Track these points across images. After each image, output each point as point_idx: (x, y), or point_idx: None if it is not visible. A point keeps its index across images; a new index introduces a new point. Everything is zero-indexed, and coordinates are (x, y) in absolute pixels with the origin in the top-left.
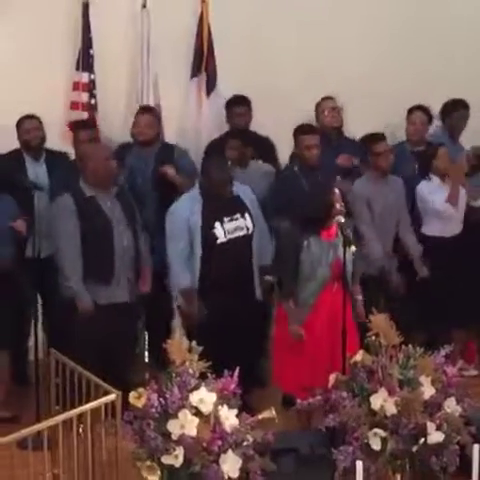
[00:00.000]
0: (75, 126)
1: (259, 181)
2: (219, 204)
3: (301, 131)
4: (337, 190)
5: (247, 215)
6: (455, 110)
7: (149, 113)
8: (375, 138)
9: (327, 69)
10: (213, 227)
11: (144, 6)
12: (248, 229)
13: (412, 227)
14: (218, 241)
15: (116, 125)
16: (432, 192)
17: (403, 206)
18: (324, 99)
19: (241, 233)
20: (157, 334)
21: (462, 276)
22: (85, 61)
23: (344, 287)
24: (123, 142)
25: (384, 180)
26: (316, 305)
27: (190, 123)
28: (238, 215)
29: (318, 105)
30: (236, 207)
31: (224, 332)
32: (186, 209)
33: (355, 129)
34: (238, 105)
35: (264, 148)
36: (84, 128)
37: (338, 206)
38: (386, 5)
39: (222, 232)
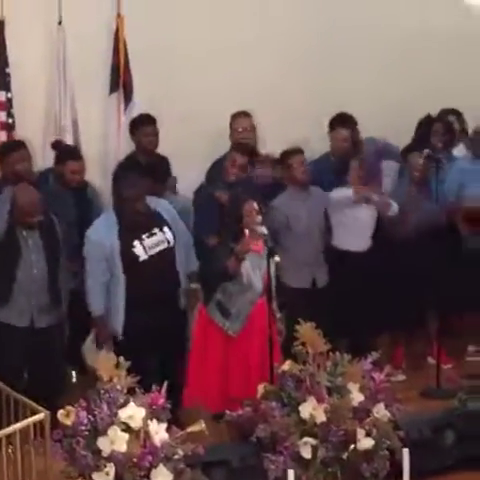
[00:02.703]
0: (5, 147)
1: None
2: (135, 222)
3: (232, 148)
4: (252, 201)
5: (166, 228)
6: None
7: (81, 159)
8: (290, 152)
9: (246, 83)
10: (132, 246)
11: (59, 23)
12: (169, 242)
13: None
14: (140, 259)
15: (35, 144)
16: (338, 192)
17: (329, 209)
18: (237, 115)
19: (162, 247)
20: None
21: (380, 284)
22: (1, 80)
23: (269, 300)
24: (44, 170)
25: (305, 194)
26: (249, 319)
27: (110, 140)
28: (156, 230)
29: (232, 121)
30: (153, 222)
31: (151, 348)
32: (101, 234)
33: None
34: (145, 124)
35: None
36: (15, 149)
37: (251, 218)
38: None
39: (142, 250)
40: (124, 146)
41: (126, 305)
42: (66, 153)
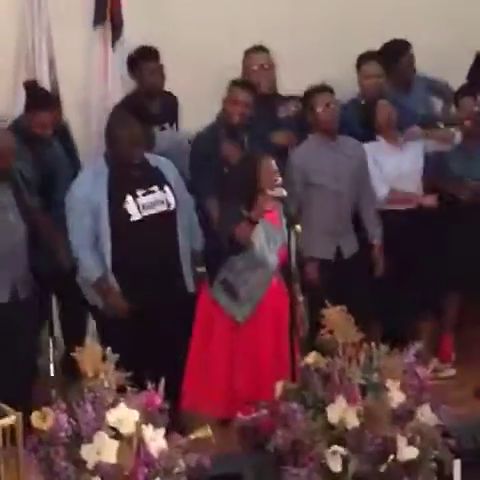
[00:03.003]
0: None
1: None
2: (130, 174)
3: (231, 83)
4: (272, 161)
5: (167, 188)
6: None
7: (49, 109)
8: (314, 91)
9: (255, 17)
10: (124, 202)
11: None
12: (169, 204)
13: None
14: (131, 219)
15: (3, 90)
16: (377, 156)
17: (365, 176)
18: (252, 51)
19: (160, 208)
20: (67, 342)
21: (427, 253)
22: None
23: (288, 282)
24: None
25: (332, 144)
26: (261, 302)
27: (95, 83)
28: (155, 187)
29: (246, 58)
30: (153, 178)
31: (144, 335)
32: (86, 185)
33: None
34: (148, 59)
35: (176, 108)
36: None
37: (269, 180)
38: None
39: (135, 208)
40: (112, 89)
41: (114, 271)
42: (35, 99)
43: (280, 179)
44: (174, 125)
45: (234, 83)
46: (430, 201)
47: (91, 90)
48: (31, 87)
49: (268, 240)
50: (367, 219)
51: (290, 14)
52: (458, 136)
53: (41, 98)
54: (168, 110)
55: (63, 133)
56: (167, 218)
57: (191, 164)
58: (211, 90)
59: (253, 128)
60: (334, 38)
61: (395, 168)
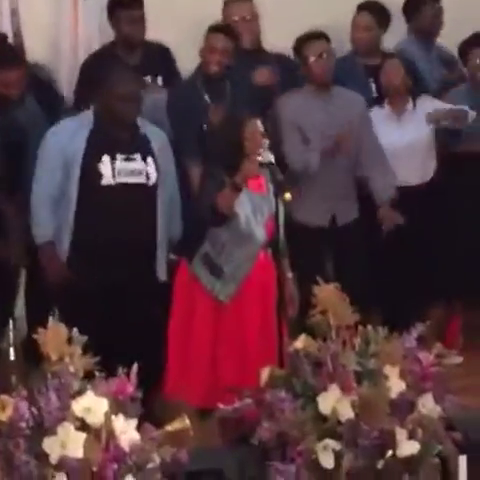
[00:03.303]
0: None
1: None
2: (115, 134)
3: (209, 30)
4: (257, 121)
5: (151, 160)
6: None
7: (16, 66)
8: (306, 38)
9: None
10: (99, 161)
11: None
12: (148, 177)
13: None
14: (102, 182)
15: None
16: (378, 124)
17: (365, 132)
18: (233, 0)
19: (138, 180)
20: (30, 323)
21: (438, 233)
22: None
23: (276, 256)
24: None
25: (326, 97)
26: (246, 279)
27: (64, 35)
28: (138, 155)
29: (225, 9)
30: (138, 145)
31: (113, 315)
32: (65, 134)
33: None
34: (127, 8)
35: (165, 59)
36: None
37: (256, 144)
38: None
39: (110, 170)
40: (84, 40)
41: (73, 243)
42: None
43: (267, 142)
44: (159, 78)
45: (211, 29)
46: None
47: (60, 41)
48: None
49: (254, 211)
50: (374, 178)
51: None
52: (472, 114)
53: (6, 54)
54: (151, 62)
55: (39, 87)
56: (144, 193)
57: (170, 121)
58: (192, 42)
59: (235, 82)
60: None
61: (395, 141)
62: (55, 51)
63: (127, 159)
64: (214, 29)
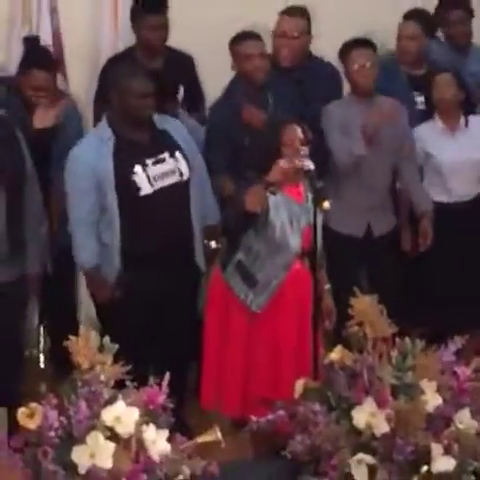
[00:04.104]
0: None
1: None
2: (137, 138)
3: (238, 38)
4: (296, 127)
5: (179, 154)
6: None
7: (45, 68)
8: (350, 45)
9: None
10: (132, 172)
11: None
12: (182, 174)
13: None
14: (141, 193)
15: None
16: (432, 139)
17: (406, 142)
18: (285, 14)
19: (172, 180)
20: (58, 329)
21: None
22: None
23: (313, 266)
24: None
25: (367, 105)
26: (281, 288)
27: (103, 38)
28: (166, 154)
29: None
30: (162, 143)
31: (150, 321)
32: (91, 152)
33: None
34: (151, 12)
35: (188, 69)
36: None
37: (292, 149)
38: None
39: (145, 179)
40: (123, 42)
41: (122, 258)
42: (31, 56)
43: (306, 149)
44: (181, 88)
45: (239, 37)
46: None
47: (99, 39)
48: (31, 43)
49: (291, 220)
50: (412, 189)
51: None
52: None
53: (36, 56)
54: (173, 69)
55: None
56: (180, 190)
57: (207, 139)
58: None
59: (277, 89)
60: None
61: (451, 156)
62: (95, 49)
63: (157, 162)
64: (242, 36)
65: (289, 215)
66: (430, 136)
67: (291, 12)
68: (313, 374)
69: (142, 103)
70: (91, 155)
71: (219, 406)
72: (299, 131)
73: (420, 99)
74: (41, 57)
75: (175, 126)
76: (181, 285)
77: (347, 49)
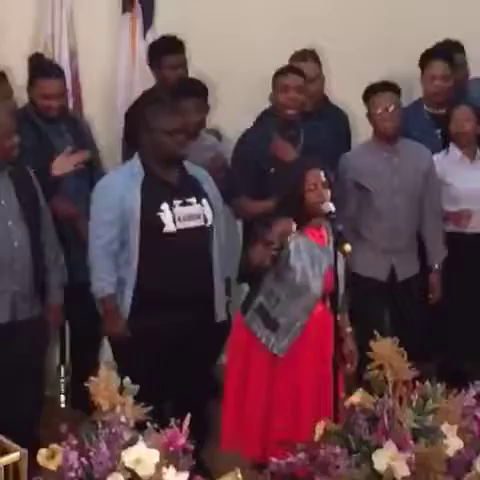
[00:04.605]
0: None
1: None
2: (168, 180)
3: (282, 70)
4: (321, 172)
5: (205, 202)
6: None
7: (55, 77)
8: (374, 89)
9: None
10: (158, 210)
11: None
12: (206, 220)
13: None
14: (164, 230)
15: (18, 83)
16: (448, 170)
17: (430, 184)
18: (296, 59)
19: (197, 223)
20: (79, 368)
21: None
22: None
23: (334, 309)
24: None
25: (391, 148)
26: (302, 331)
27: (122, 77)
28: (193, 199)
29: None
30: (190, 188)
31: (168, 363)
32: (119, 184)
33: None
34: (169, 52)
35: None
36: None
37: (315, 194)
38: None
39: (170, 218)
40: (140, 86)
41: (136, 294)
42: (38, 68)
43: (328, 193)
44: None
45: (283, 69)
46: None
47: (117, 86)
48: (35, 59)
49: (313, 263)
50: (428, 237)
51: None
52: None
53: (45, 66)
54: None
55: (73, 124)
56: (203, 234)
57: (233, 163)
58: (247, 88)
59: (310, 124)
60: (383, 39)
61: (469, 184)
62: (112, 91)
63: (184, 204)
64: (283, 71)
65: (311, 258)
66: (447, 165)
67: (303, 57)
68: (334, 416)
69: (172, 140)
70: (119, 187)
71: (240, 447)
72: (322, 175)
73: (441, 137)
74: (48, 67)
75: (203, 175)
76: (197, 327)
77: (370, 93)
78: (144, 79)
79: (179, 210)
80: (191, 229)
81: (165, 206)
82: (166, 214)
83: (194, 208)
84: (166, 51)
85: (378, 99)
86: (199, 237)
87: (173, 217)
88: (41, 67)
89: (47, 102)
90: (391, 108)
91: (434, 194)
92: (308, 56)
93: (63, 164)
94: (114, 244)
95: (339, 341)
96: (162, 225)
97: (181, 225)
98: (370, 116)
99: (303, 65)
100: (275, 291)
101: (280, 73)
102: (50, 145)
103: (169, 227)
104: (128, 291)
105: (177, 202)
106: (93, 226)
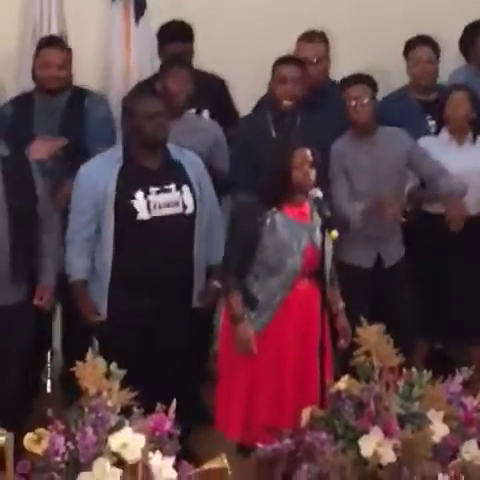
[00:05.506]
0: None
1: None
2: (146, 166)
3: (280, 60)
4: (308, 151)
5: (186, 188)
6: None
7: (58, 47)
8: (347, 82)
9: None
10: (132, 197)
11: None
12: (185, 207)
13: None
14: (138, 217)
15: (7, 68)
16: (435, 152)
17: (419, 158)
18: (304, 40)
19: (174, 211)
20: (69, 355)
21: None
22: None
23: (321, 286)
24: (21, 94)
25: (370, 139)
26: (281, 309)
27: (113, 62)
28: (172, 186)
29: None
30: (172, 174)
31: (148, 349)
32: (98, 170)
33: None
34: (175, 40)
35: (216, 92)
36: None
37: (303, 174)
38: None
39: (144, 205)
40: (135, 72)
41: (113, 280)
42: (41, 43)
43: (314, 173)
44: (205, 111)
45: (278, 61)
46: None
47: (111, 69)
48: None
49: (291, 239)
50: (445, 182)
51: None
52: None
53: (48, 37)
54: (196, 93)
55: (79, 99)
56: (180, 222)
57: (231, 153)
58: (255, 76)
59: (306, 115)
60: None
61: (455, 167)
62: (106, 79)
63: (161, 190)
64: (281, 61)
65: (288, 234)
66: (436, 147)
67: (310, 37)
68: (320, 402)
69: (151, 124)
70: (96, 175)
71: (224, 428)
72: (309, 154)
73: (432, 123)
74: (50, 38)
75: (192, 161)
76: (174, 314)
77: (344, 85)
78: (140, 67)
79: (155, 197)
80: (167, 216)
81: (140, 194)
82: (139, 202)
83: (172, 195)
84: (169, 38)
85: (352, 91)
86: (176, 224)
87: (148, 204)
88: (44, 39)
89: (44, 71)
90: (365, 100)
91: (428, 158)
92: (316, 37)
93: (40, 149)
94: (89, 230)
95: (326, 318)
96: (135, 212)
97: (156, 212)
98: (345, 110)
99: (309, 45)
100: (253, 269)
101: (279, 62)
102: (29, 124)
103: (142, 214)
104: (105, 275)
105: (154, 189)
106: (71, 211)
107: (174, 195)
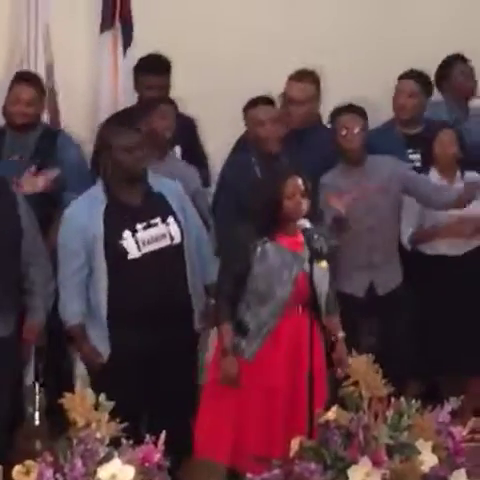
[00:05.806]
0: None
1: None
2: (129, 203)
3: (251, 103)
4: (299, 180)
5: (171, 220)
6: (453, 66)
7: (31, 84)
8: (338, 112)
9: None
10: (120, 237)
11: None
12: (173, 238)
13: None
14: (129, 257)
15: None
16: None
17: (408, 178)
18: (294, 79)
19: (162, 244)
20: (55, 386)
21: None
22: None
23: (312, 315)
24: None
25: (359, 170)
26: (271, 338)
27: (101, 92)
28: (158, 219)
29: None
30: (155, 208)
31: (150, 383)
32: (84, 213)
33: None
34: (150, 72)
35: (187, 131)
36: None
37: (294, 204)
38: None
39: (133, 244)
40: (123, 102)
41: (110, 318)
42: (15, 77)
43: (306, 202)
44: (177, 148)
45: (251, 103)
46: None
47: (99, 100)
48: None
49: (281, 268)
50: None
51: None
52: None
53: (21, 73)
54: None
55: (48, 139)
56: (170, 253)
57: (217, 193)
58: (230, 108)
59: (291, 154)
60: (378, 57)
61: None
62: (94, 110)
63: (148, 226)
64: (253, 104)
65: (280, 264)
66: None
67: (299, 77)
68: (308, 432)
69: (131, 157)
70: (82, 217)
71: (211, 453)
72: (301, 183)
73: (416, 156)
74: (23, 73)
75: (171, 189)
76: (175, 345)
77: (335, 114)
78: (127, 98)
79: (142, 235)
80: (157, 251)
81: (127, 233)
82: (128, 241)
83: (159, 229)
84: (144, 70)
85: (341, 121)
86: (166, 256)
87: (137, 242)
88: (18, 73)
89: (15, 107)
90: (356, 130)
91: (418, 176)
92: (304, 76)
93: (33, 182)
94: (82, 272)
95: (318, 347)
96: (126, 252)
97: (145, 249)
98: (336, 140)
99: (298, 85)
100: (245, 297)
101: (250, 106)
102: None
103: (133, 254)
104: (101, 315)
105: (140, 226)
106: (60, 255)
107: (160, 228)
